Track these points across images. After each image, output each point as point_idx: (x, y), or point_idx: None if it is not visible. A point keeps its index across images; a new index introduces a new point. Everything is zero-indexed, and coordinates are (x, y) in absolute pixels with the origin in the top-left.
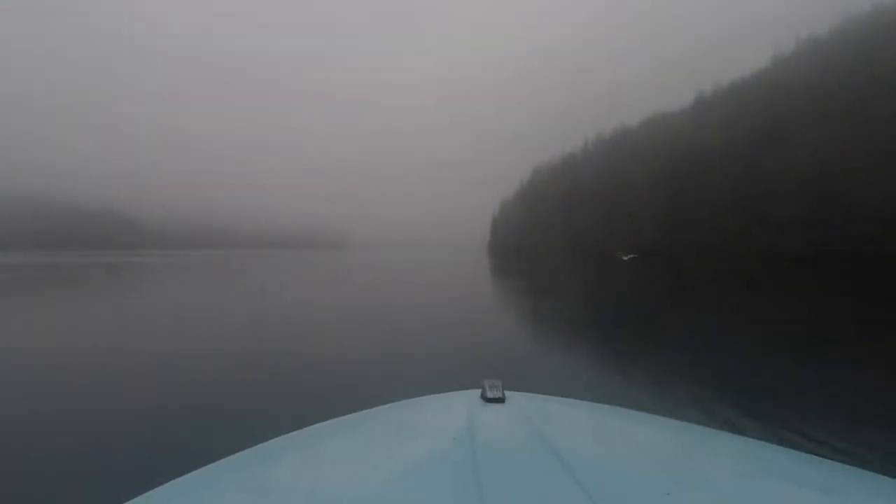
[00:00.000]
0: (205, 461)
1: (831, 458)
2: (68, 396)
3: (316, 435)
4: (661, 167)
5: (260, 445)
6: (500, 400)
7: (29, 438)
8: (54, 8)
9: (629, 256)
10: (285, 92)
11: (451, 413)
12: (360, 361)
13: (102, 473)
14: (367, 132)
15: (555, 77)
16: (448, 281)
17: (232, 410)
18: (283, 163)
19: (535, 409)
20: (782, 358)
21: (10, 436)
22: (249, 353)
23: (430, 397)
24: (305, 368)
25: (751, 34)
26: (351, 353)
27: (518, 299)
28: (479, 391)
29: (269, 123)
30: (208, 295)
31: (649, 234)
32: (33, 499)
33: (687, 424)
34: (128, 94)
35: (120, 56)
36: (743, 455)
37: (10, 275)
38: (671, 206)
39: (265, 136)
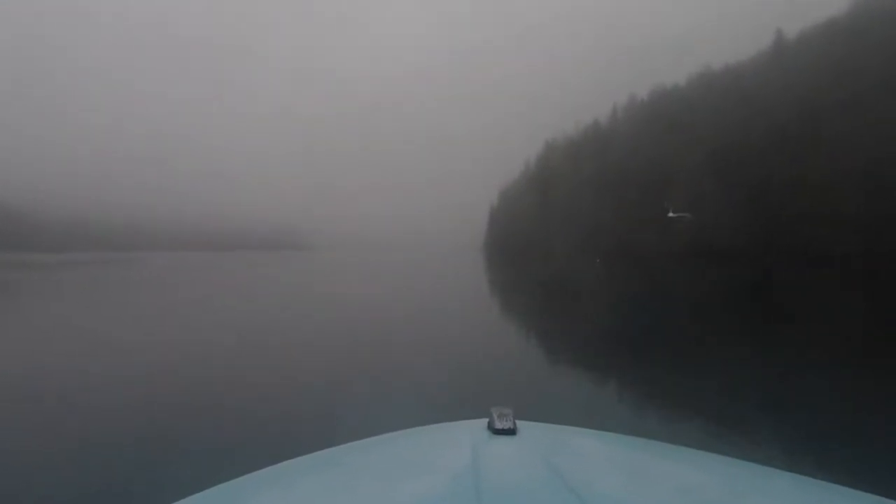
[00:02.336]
0: None
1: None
2: None
3: (297, 470)
4: (724, 133)
5: (234, 481)
6: (511, 431)
7: None
8: None
9: (678, 215)
10: (235, 61)
11: (453, 446)
12: None
13: None
14: (337, 110)
15: (573, 36)
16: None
17: None
18: (235, 148)
19: (552, 442)
20: None
21: None
22: None
23: (430, 428)
24: None
25: None
26: None
27: None
28: (485, 421)
29: (217, 101)
30: None
31: (709, 224)
32: None
33: (723, 458)
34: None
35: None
36: (784, 492)
37: None
38: (744, 186)
39: (211, 116)
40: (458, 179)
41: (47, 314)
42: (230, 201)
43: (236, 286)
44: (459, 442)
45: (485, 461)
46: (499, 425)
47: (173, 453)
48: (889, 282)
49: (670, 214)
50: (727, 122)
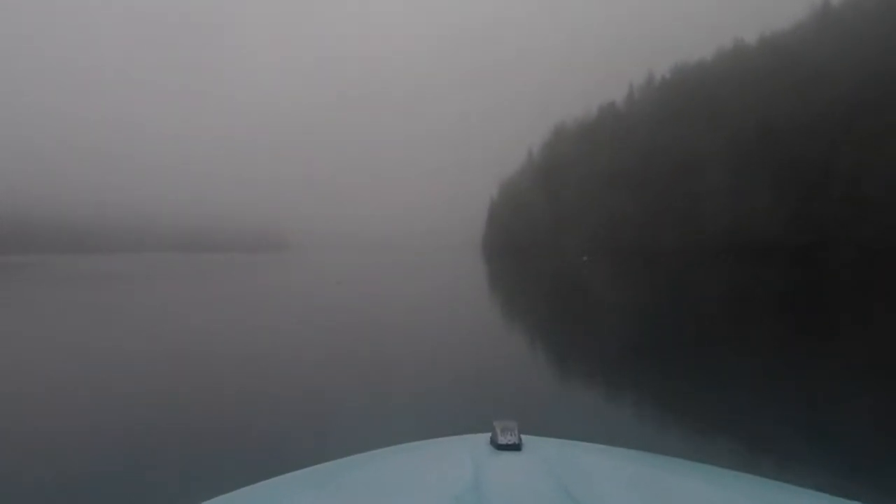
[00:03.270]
0: None
1: None
2: None
3: (292, 485)
4: (763, 111)
5: (228, 495)
6: (516, 447)
7: None
8: None
9: None
10: (211, 45)
11: (452, 463)
12: None
13: None
14: (323, 97)
15: (583, 8)
16: None
17: None
18: (210, 139)
19: (561, 458)
20: None
21: None
22: None
23: (428, 443)
24: None
25: None
26: None
27: None
28: (488, 435)
29: (190, 87)
30: None
31: (749, 216)
32: None
33: (734, 473)
34: None
35: None
36: None
37: None
38: (789, 171)
39: (184, 103)
40: (453, 170)
41: None
42: (204, 198)
43: (187, 302)
44: (460, 458)
45: (487, 479)
46: (502, 440)
47: None
48: None
49: None
50: (766, 100)
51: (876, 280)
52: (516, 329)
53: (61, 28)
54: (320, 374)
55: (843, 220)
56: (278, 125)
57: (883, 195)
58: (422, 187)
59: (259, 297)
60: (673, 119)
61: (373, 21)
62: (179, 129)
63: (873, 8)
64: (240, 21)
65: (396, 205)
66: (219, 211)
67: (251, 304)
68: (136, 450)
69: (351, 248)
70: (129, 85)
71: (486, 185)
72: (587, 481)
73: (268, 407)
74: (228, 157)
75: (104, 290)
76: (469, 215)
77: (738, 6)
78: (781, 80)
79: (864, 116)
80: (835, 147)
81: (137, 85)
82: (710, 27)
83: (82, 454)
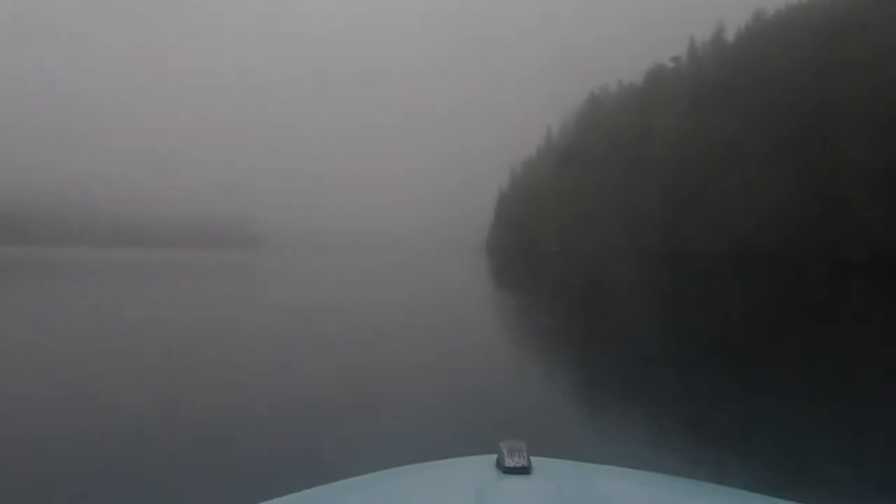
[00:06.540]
0: None
1: None
2: None
3: None
4: None
5: None
6: (525, 470)
7: None
8: None
9: None
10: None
11: (455, 488)
12: None
13: None
14: (301, 70)
15: None
16: None
17: None
18: (169, 116)
19: (574, 482)
20: None
21: None
22: None
23: (429, 465)
24: None
25: None
26: None
27: None
28: (494, 457)
29: (144, 53)
30: None
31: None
32: None
33: (754, 495)
34: None
35: None
36: None
37: None
38: None
39: (135, 73)
40: (457, 158)
41: None
42: (158, 184)
43: None
44: (463, 482)
45: None
46: (510, 462)
47: None
48: None
49: None
50: None
51: None
52: None
53: None
54: None
55: None
56: (251, 104)
57: None
58: (416, 178)
59: None
60: (756, 83)
61: None
62: (133, 104)
63: None
64: None
65: (386, 198)
66: (176, 200)
67: None
68: None
69: (330, 248)
70: (72, 48)
71: (495, 172)
72: None
73: None
74: (192, 139)
75: None
76: (475, 207)
77: None
78: None
79: None
80: None
81: (80, 49)
82: None
83: None
